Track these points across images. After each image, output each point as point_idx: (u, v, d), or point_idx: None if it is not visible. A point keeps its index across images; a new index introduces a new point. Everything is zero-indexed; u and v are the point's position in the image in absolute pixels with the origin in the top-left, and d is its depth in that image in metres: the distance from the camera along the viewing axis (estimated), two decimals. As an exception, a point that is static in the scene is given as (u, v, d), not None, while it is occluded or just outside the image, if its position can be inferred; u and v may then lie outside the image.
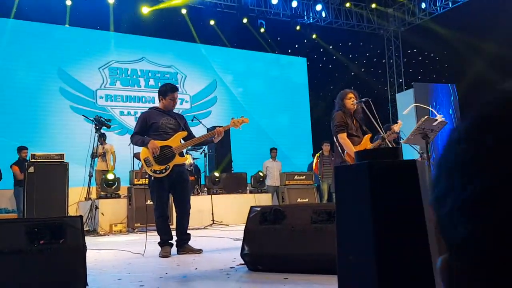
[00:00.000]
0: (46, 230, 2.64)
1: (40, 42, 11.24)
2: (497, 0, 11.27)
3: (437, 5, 13.03)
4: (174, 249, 4.34)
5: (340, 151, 4.94)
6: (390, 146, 5.25)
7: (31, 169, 7.12)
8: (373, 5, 13.68)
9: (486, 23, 10.78)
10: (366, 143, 5.01)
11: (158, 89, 4.58)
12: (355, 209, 1.21)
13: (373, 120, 4.81)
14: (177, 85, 4.70)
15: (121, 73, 12.43)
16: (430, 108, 5.39)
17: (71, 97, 11.65)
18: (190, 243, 4.41)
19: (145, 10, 11.93)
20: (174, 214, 4.57)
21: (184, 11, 11.78)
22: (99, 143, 8.93)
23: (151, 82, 12.65)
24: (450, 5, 12.77)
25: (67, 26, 11.64)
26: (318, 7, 13.30)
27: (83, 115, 9.74)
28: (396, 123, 5.15)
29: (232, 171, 10.05)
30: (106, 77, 12.22)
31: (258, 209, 3.47)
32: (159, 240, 4.33)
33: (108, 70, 12.26)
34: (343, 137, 4.77)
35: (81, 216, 2.77)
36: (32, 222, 2.70)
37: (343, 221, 1.25)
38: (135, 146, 4.50)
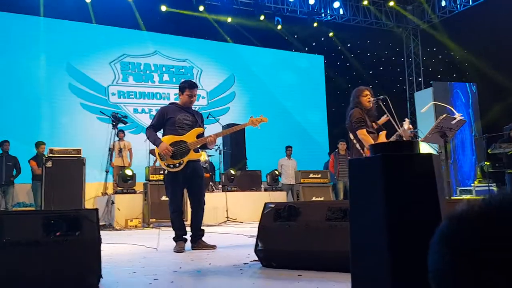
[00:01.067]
0: (63, 222, 2.67)
1: (47, 36, 11.02)
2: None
3: (457, 2, 12.81)
4: (188, 245, 4.36)
5: (359, 148, 4.88)
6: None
7: (49, 164, 7.22)
8: (391, 3, 13.51)
9: (507, 20, 10.57)
10: (382, 139, 4.97)
11: (175, 84, 4.61)
12: (368, 203, 1.18)
13: (390, 118, 4.76)
14: (195, 82, 4.70)
15: (133, 68, 12.08)
16: (448, 106, 5.30)
17: (82, 94, 11.34)
18: (204, 239, 4.43)
19: (164, 8, 11.91)
20: (189, 210, 4.58)
21: (201, 8, 11.79)
22: (117, 139, 9.03)
23: (165, 77, 12.32)
24: (470, 3, 12.54)
25: (94, 24, 11.53)
26: (336, 4, 13.18)
27: (100, 112, 9.85)
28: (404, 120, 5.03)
29: (247, 169, 10.05)
30: (118, 72, 11.86)
31: (272, 205, 3.46)
32: (173, 235, 4.35)
33: (119, 65, 11.91)
34: (363, 133, 4.71)
35: (96, 209, 2.79)
36: (48, 214, 2.73)
37: (357, 216, 1.23)
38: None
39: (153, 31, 12.25)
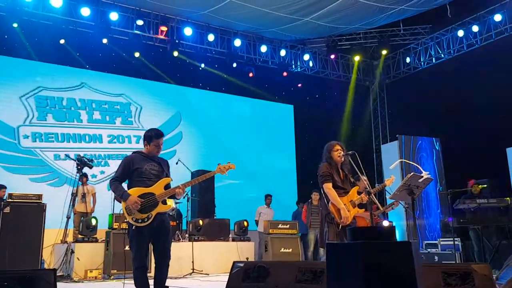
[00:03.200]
0: (16, 284, 2.49)
1: None
2: (478, 56, 11.71)
3: (421, 60, 13.45)
4: (151, 302, 4.14)
5: (326, 202, 4.95)
6: (376, 200, 5.25)
7: (7, 210, 6.89)
8: (357, 57, 14.02)
9: (468, 78, 11.13)
10: (353, 195, 5.02)
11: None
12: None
13: (359, 173, 4.83)
14: (161, 131, 4.57)
15: (53, 104, 9.96)
16: (416, 164, 5.43)
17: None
18: (168, 296, 4.23)
19: (137, 55, 11.61)
20: (153, 264, 4.39)
21: (176, 53, 11.83)
22: (80, 184, 8.74)
23: (96, 115, 10.31)
24: (433, 61, 13.18)
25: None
26: (306, 56, 13.60)
27: (65, 154, 9.52)
28: (389, 177, 5.19)
29: (215, 217, 9.87)
30: (32, 109, 9.73)
31: (241, 264, 3.37)
32: (136, 292, 4.13)
33: (34, 100, 9.80)
34: (328, 187, 4.86)
35: (54, 270, 2.63)
36: (2, 274, 2.55)
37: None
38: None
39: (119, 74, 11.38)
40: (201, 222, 8.64)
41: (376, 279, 1.11)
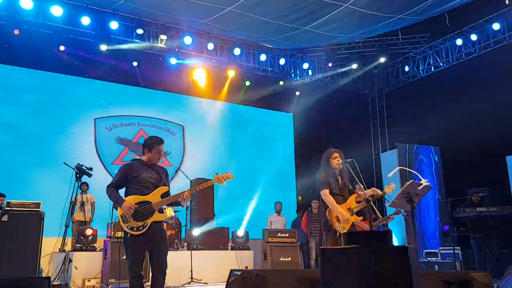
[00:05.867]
0: (10, 292, 2.46)
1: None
2: (477, 65, 11.73)
3: (420, 68, 13.47)
4: (148, 311, 4.11)
5: (324, 209, 4.95)
6: (374, 207, 5.24)
7: (5, 218, 6.85)
8: (355, 66, 13.97)
9: (467, 87, 11.14)
10: (351, 202, 5.01)
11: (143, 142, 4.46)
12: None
13: (357, 181, 4.82)
14: (161, 138, 4.54)
15: None
16: (415, 172, 5.42)
17: None
18: (165, 305, 4.19)
19: (135, 63, 11.86)
20: (150, 273, 4.35)
21: (174, 61, 11.87)
22: (80, 192, 8.71)
23: None
24: (432, 70, 13.21)
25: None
26: (305, 65, 13.63)
27: (64, 163, 9.52)
28: (389, 185, 5.20)
29: (215, 226, 9.81)
30: None
31: (239, 273, 3.33)
32: (132, 302, 4.09)
33: None
34: (325, 194, 4.87)
35: (48, 278, 2.60)
36: (-5, 283, 2.52)
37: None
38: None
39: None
40: (194, 233, 8.58)
41: (370, 285, 1.09)
